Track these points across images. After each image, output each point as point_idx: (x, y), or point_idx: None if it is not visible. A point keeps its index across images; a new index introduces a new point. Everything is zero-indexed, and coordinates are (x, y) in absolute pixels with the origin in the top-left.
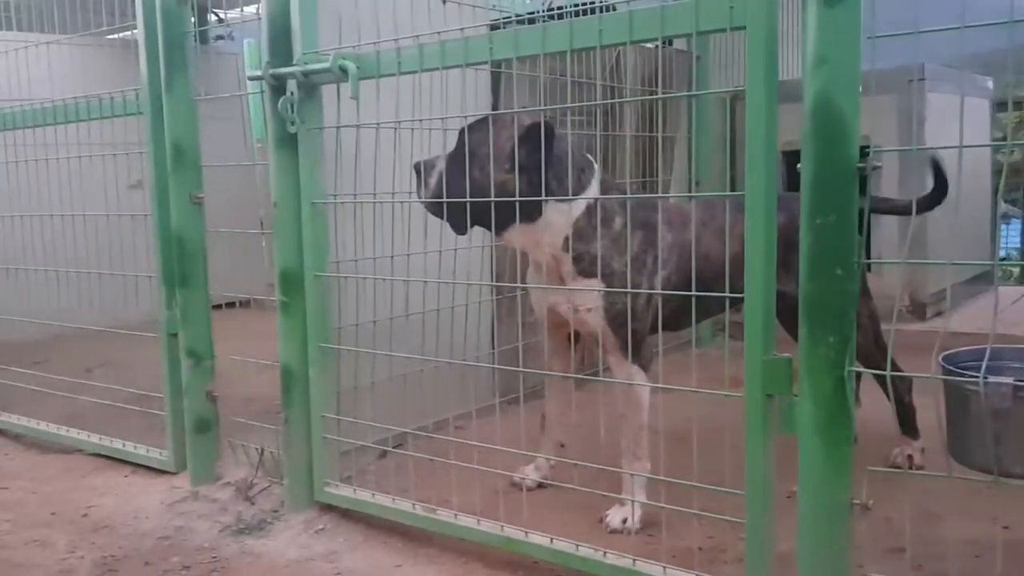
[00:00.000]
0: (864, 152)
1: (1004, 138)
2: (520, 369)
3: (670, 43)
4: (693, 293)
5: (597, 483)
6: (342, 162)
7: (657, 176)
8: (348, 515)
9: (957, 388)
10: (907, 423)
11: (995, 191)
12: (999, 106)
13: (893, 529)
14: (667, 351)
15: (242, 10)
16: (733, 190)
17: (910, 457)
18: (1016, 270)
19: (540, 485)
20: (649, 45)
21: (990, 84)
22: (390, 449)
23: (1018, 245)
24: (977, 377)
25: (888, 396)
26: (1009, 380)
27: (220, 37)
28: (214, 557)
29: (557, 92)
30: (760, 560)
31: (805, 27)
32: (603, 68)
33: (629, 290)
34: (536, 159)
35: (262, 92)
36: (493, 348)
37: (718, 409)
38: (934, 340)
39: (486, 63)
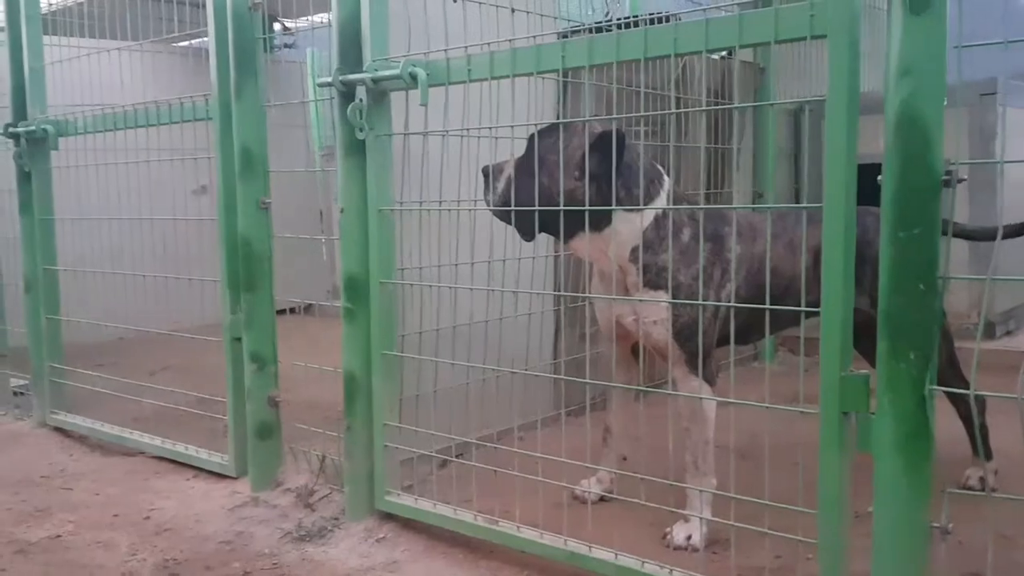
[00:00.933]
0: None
1: None
2: (584, 380)
3: (732, 54)
4: (767, 307)
5: (660, 498)
6: (410, 169)
7: (723, 188)
8: (409, 524)
9: None
10: (981, 444)
11: None
12: None
13: (967, 553)
14: (728, 365)
15: (309, 19)
16: (799, 202)
17: (982, 479)
18: None
19: (602, 499)
20: (715, 56)
21: None
22: (451, 459)
23: None
24: None
25: (963, 417)
26: None
27: (287, 46)
28: (275, 563)
29: (624, 102)
30: None
31: (889, 36)
32: (670, 79)
33: (699, 302)
34: (606, 167)
35: (331, 99)
36: (555, 358)
37: (783, 425)
38: (1003, 359)
39: (557, 71)
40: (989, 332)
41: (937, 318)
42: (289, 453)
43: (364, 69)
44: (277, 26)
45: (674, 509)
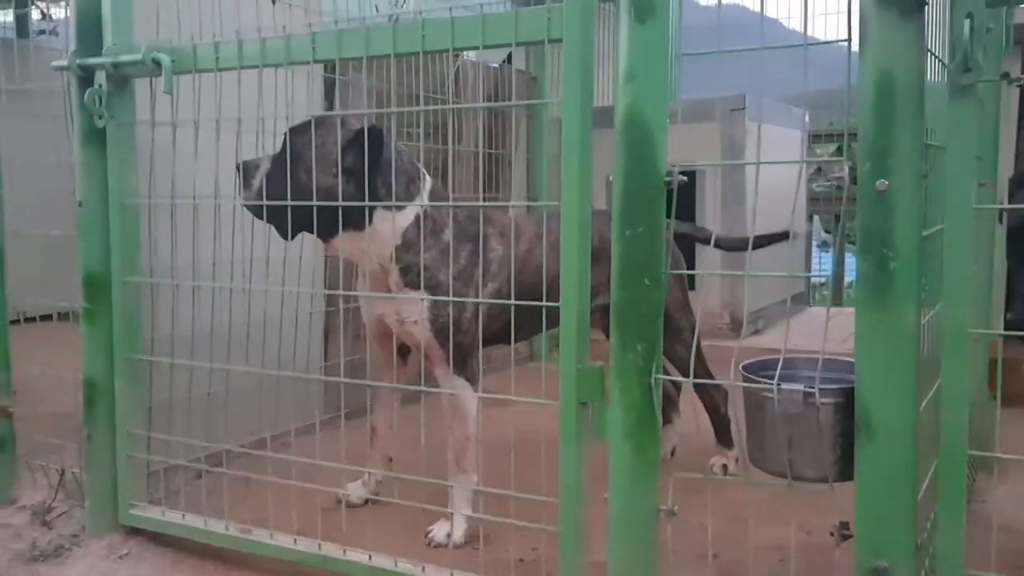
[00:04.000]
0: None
1: (818, 169)
2: (342, 379)
3: (509, 62)
4: (512, 302)
5: (427, 498)
6: (156, 161)
7: (499, 192)
8: (157, 539)
9: (753, 395)
10: (722, 433)
11: (809, 218)
12: (815, 138)
13: (708, 536)
14: (506, 366)
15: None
16: None
17: (724, 466)
18: (829, 293)
19: (369, 501)
20: (493, 64)
21: (807, 118)
22: (207, 468)
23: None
24: (771, 384)
25: (708, 408)
26: (800, 387)
27: (43, 32)
28: None
29: (395, 103)
30: (574, 567)
31: (618, 43)
32: (443, 83)
33: (450, 298)
34: (363, 165)
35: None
36: (325, 361)
37: (553, 422)
38: (750, 356)
39: (307, 62)
40: (738, 331)
41: (661, 311)
42: (26, 468)
43: (104, 53)
44: (35, 11)
45: (435, 507)
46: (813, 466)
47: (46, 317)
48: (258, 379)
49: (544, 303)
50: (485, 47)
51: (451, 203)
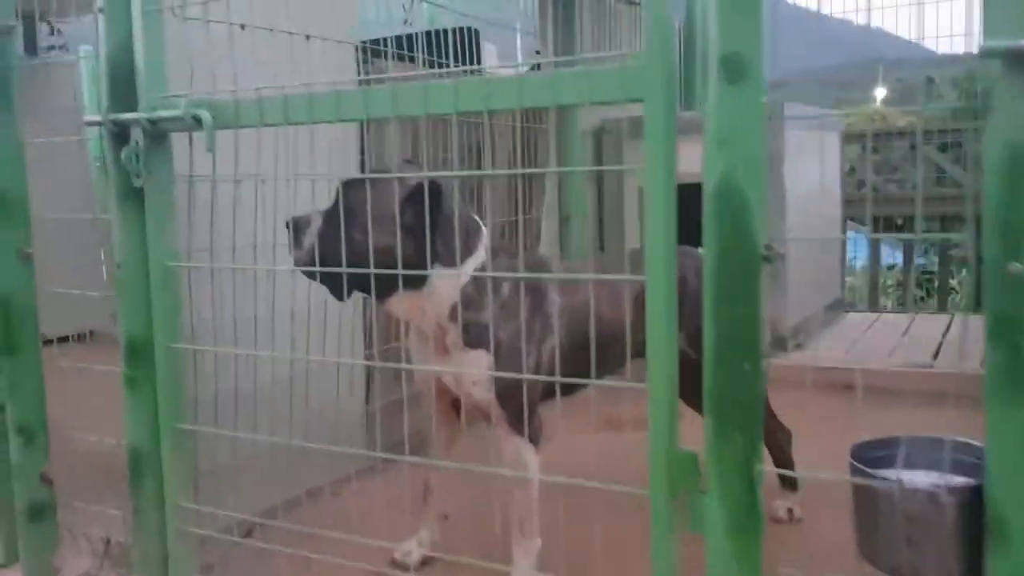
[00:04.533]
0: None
1: (852, 169)
2: (403, 457)
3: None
4: (592, 382)
5: (485, 556)
6: (196, 216)
7: (531, 212)
8: None
9: (866, 487)
10: (787, 477)
11: (844, 221)
12: (848, 138)
13: None
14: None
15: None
16: (601, 224)
17: (790, 510)
18: (866, 295)
19: (425, 561)
20: None
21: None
22: (248, 542)
23: (866, 261)
24: (891, 480)
25: (769, 447)
26: (925, 484)
27: (53, 47)
28: None
29: (430, 129)
30: None
31: (708, 106)
32: None
33: (524, 376)
34: (423, 221)
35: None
36: (367, 403)
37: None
38: (794, 374)
39: (360, 120)
40: (780, 346)
41: (762, 397)
42: (66, 533)
43: (140, 108)
44: (44, 27)
45: (496, 566)
46: (934, 567)
47: (63, 339)
48: (304, 432)
49: (631, 384)
50: (557, 107)
51: (517, 274)
